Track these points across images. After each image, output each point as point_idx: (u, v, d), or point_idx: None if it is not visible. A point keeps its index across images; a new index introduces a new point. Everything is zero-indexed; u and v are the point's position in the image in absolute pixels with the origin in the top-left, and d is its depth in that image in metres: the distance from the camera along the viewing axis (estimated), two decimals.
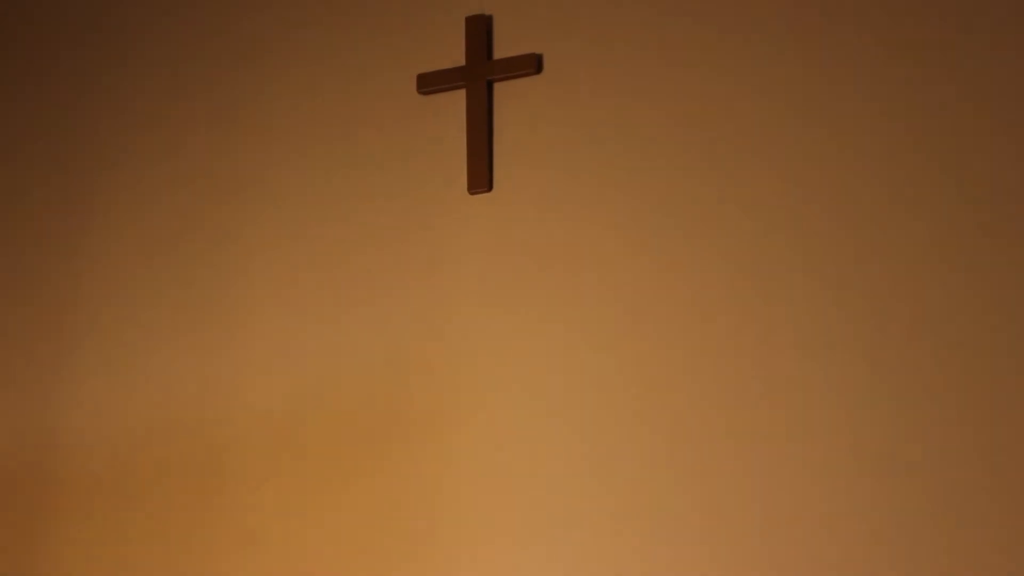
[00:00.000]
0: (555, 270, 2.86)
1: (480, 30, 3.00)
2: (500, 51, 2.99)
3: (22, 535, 3.10)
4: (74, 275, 3.22)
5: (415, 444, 2.86)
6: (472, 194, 2.95)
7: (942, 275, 2.62)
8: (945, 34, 2.70)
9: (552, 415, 2.80)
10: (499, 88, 2.98)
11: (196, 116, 3.20)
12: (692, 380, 2.72)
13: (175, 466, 3.02)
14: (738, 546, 2.63)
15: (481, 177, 2.94)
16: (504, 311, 2.87)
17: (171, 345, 3.09)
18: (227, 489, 2.97)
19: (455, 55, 3.02)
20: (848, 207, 2.70)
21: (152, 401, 3.07)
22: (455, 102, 3.00)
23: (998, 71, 2.66)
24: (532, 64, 2.95)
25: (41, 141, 3.33)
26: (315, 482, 2.91)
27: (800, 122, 2.76)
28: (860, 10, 2.76)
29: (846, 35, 2.76)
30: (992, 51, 2.67)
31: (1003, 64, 2.66)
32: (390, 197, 3.00)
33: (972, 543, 2.51)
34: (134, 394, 3.09)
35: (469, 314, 2.89)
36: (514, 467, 2.80)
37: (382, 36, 3.08)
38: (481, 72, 2.98)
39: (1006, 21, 2.67)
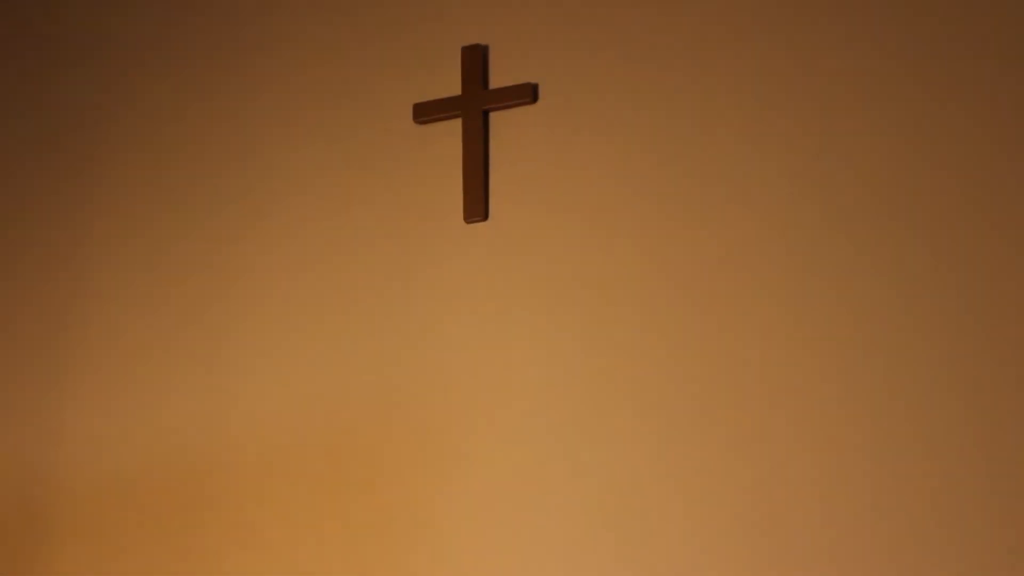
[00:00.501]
0: (551, 299, 2.87)
1: (476, 60, 3.00)
2: (496, 81, 3.00)
3: (19, 558, 3.09)
4: (71, 297, 3.22)
5: (410, 475, 2.86)
6: (468, 223, 2.95)
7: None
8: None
9: (549, 441, 2.80)
10: (495, 117, 2.99)
11: (191, 145, 3.21)
12: (692, 406, 2.73)
13: (172, 490, 3.02)
14: (749, 560, 2.64)
15: (477, 206, 2.95)
16: (500, 339, 2.88)
17: (168, 370, 3.10)
18: (223, 513, 2.98)
19: (451, 85, 3.02)
20: (851, 226, 2.72)
21: (148, 428, 3.08)
22: (451, 132, 3.01)
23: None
24: (528, 93, 2.96)
25: (34, 167, 3.33)
26: (311, 508, 2.91)
27: (800, 147, 2.77)
28: (860, 33, 2.78)
29: (844, 56, 2.78)
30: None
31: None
32: (386, 226, 3.00)
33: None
34: (130, 421, 3.09)
35: (465, 342, 2.90)
36: (509, 492, 2.80)
37: (378, 66, 3.09)
38: (477, 102, 2.99)
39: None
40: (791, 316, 2.70)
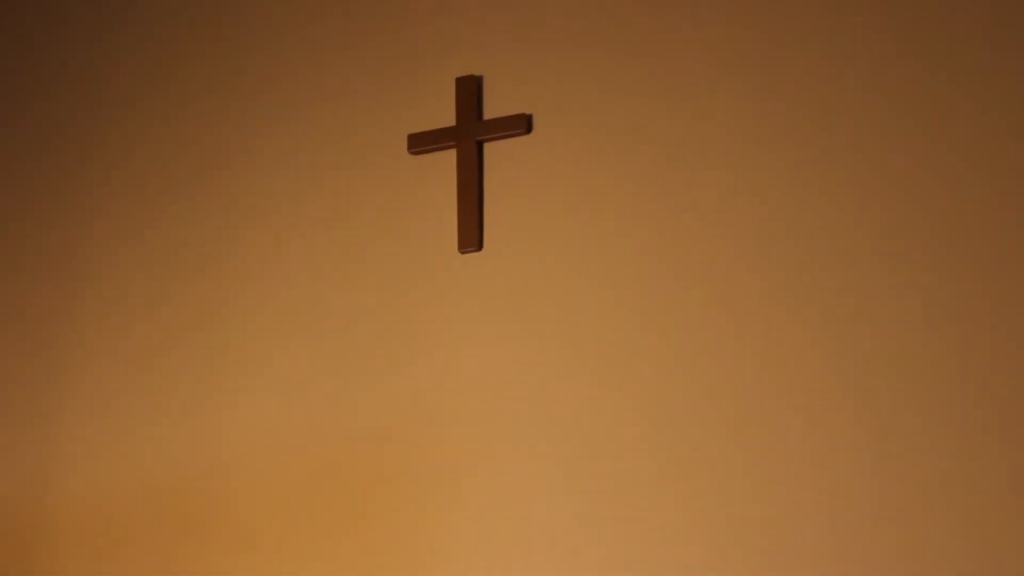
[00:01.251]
0: (546, 329, 2.88)
1: (470, 90, 2.99)
2: (490, 111, 2.99)
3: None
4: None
5: (403, 506, 2.89)
6: (462, 253, 2.96)
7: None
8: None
9: (545, 472, 2.82)
10: (489, 148, 2.98)
11: (185, 176, 3.21)
12: (691, 435, 2.74)
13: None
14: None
15: (471, 236, 2.95)
16: (494, 370, 2.89)
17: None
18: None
19: (445, 115, 3.02)
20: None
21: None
22: (445, 162, 3.00)
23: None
24: (522, 124, 2.95)
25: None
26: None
27: (796, 170, 2.77)
28: (860, 52, 2.77)
29: (838, 83, 2.77)
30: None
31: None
32: (380, 256, 3.01)
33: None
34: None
35: (459, 372, 2.92)
36: (504, 524, 2.83)
37: (373, 96, 3.08)
38: (471, 132, 2.98)
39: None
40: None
